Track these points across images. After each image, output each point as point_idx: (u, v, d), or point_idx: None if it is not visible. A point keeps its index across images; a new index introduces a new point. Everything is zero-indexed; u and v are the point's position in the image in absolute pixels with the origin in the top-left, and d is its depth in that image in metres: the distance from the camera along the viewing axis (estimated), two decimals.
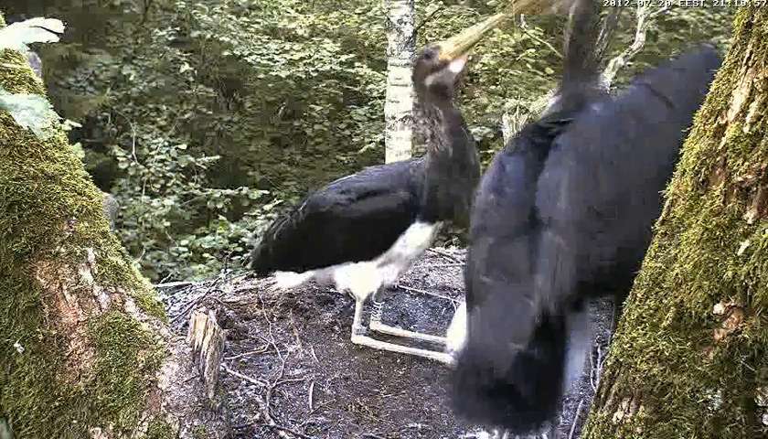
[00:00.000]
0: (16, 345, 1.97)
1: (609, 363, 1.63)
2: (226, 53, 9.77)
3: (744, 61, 1.28)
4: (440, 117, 2.42)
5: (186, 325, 2.76)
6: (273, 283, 2.98)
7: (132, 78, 9.57)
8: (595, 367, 2.56)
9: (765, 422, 1.28)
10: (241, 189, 8.66)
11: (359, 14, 10.62)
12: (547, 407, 1.57)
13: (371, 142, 9.26)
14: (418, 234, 2.56)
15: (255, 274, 3.18)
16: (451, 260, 3.58)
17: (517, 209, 1.63)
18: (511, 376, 1.44)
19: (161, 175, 8.68)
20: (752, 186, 1.25)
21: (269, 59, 9.61)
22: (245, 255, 7.00)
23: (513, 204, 1.64)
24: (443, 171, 2.45)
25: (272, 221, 3.30)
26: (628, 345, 1.53)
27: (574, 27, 1.91)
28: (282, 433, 2.26)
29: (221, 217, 8.23)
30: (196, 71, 9.88)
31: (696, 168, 1.39)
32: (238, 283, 3.29)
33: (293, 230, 2.73)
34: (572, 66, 1.90)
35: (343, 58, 9.73)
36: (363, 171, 2.79)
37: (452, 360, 1.71)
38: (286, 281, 2.88)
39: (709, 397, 1.33)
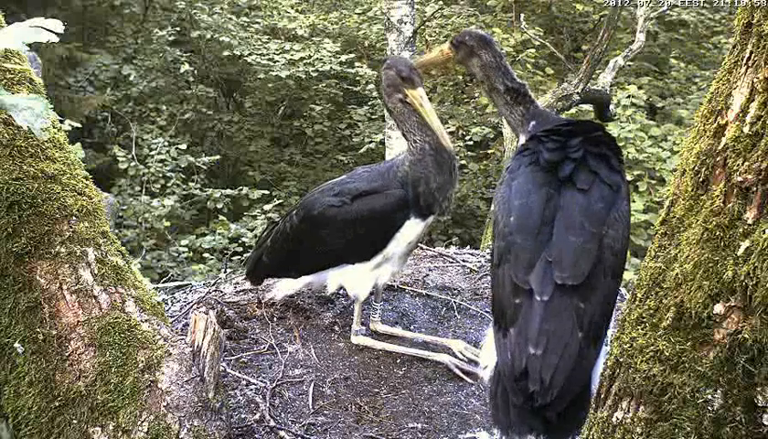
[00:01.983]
0: (16, 345, 1.97)
1: (609, 363, 1.63)
2: (226, 53, 9.77)
3: (744, 61, 1.28)
4: (410, 118, 2.55)
5: (186, 325, 2.76)
6: (272, 285, 2.97)
7: (132, 78, 9.58)
8: None
9: (765, 422, 1.28)
10: (241, 189, 8.67)
11: (359, 14, 10.62)
12: (579, 414, 1.64)
13: (371, 142, 9.26)
14: (412, 230, 2.57)
15: (250, 283, 3.05)
16: (451, 260, 3.57)
17: (543, 227, 1.64)
18: (553, 390, 1.51)
19: (161, 175, 8.69)
20: (752, 186, 1.25)
21: (269, 59, 9.61)
22: (245, 255, 7.00)
23: (538, 222, 1.65)
24: (422, 167, 2.52)
25: (263, 229, 3.24)
26: (628, 345, 1.52)
27: (484, 76, 2.13)
28: (282, 433, 2.25)
29: (221, 217, 8.24)
30: (196, 71, 9.88)
31: (696, 168, 1.39)
32: (238, 283, 3.28)
33: (287, 235, 2.71)
34: (510, 96, 2.09)
35: (343, 58, 9.72)
36: (351, 172, 2.79)
37: (487, 379, 1.80)
38: (282, 287, 2.87)
39: (709, 397, 1.33)
